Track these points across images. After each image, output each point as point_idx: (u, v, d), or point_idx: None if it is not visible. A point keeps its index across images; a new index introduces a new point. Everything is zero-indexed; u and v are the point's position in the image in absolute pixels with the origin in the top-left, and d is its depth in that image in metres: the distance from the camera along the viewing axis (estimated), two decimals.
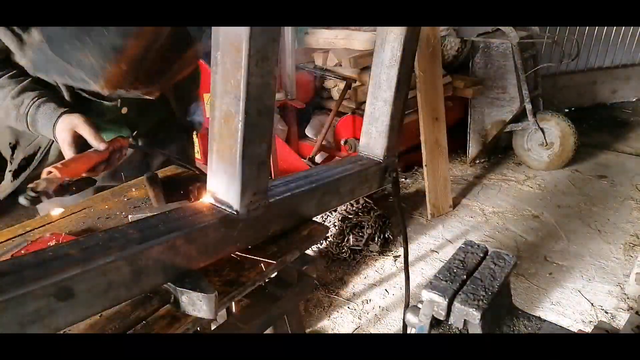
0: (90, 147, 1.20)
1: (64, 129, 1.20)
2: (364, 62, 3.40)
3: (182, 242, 0.84)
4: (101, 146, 1.19)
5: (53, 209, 1.25)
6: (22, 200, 1.03)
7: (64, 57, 1.01)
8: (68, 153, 1.20)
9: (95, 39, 0.96)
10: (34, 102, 1.23)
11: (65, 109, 1.23)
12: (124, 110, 1.41)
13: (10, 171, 1.43)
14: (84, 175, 1.18)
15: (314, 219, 1.16)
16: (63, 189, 1.08)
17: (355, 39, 3.55)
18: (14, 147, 1.42)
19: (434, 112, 3.32)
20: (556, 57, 4.71)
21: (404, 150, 3.68)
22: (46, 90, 1.27)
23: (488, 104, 3.95)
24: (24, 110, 1.23)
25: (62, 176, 1.08)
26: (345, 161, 1.27)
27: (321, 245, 2.91)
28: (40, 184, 1.03)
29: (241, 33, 0.76)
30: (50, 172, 1.08)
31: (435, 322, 0.93)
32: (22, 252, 1.04)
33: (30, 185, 1.03)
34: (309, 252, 1.17)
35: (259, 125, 0.86)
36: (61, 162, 1.14)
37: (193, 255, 0.87)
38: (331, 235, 2.92)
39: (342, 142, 3.56)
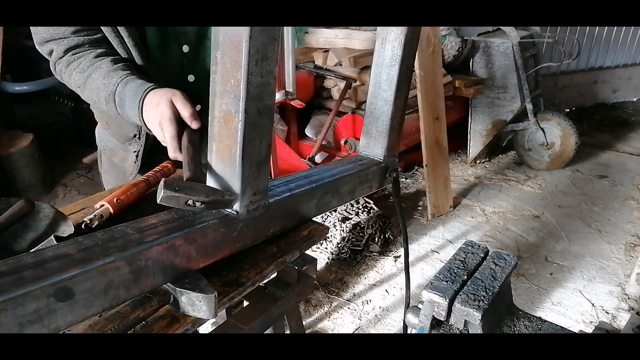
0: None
1: (159, 102, 1.06)
2: (364, 61, 3.40)
3: (181, 243, 0.84)
4: (194, 124, 1.04)
5: None
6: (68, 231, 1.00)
7: None
8: (168, 130, 1.03)
9: None
10: (122, 79, 1.14)
11: (153, 85, 1.13)
12: (191, 78, 1.33)
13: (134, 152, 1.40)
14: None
15: (314, 219, 1.16)
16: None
17: (355, 38, 3.55)
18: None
19: (434, 111, 3.32)
20: (557, 56, 4.70)
21: (404, 150, 3.68)
22: (136, 71, 1.20)
23: (489, 104, 3.95)
24: (112, 88, 1.15)
25: (114, 212, 1.09)
26: (345, 161, 1.27)
27: (321, 245, 2.91)
28: (94, 220, 1.04)
29: (241, 33, 0.76)
30: (102, 205, 1.09)
31: (435, 322, 0.93)
32: None
33: (85, 221, 1.03)
34: (309, 252, 1.16)
35: (259, 125, 0.86)
36: (114, 196, 1.11)
37: (193, 256, 0.87)
38: (331, 236, 2.91)
39: (342, 142, 3.56)
